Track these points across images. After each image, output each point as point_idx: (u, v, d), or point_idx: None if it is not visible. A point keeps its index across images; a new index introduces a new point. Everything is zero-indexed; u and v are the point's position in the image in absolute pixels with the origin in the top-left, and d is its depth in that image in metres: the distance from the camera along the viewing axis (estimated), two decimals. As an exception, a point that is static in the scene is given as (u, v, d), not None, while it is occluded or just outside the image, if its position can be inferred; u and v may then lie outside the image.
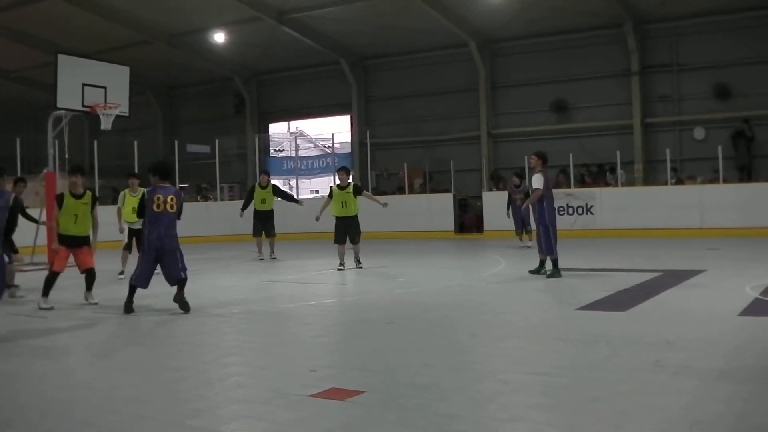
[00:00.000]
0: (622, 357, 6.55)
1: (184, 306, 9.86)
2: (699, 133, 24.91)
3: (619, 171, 23.75)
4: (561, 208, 23.03)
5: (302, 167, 31.52)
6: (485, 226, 24.64)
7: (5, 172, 11.36)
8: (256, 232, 17.93)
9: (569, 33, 26.31)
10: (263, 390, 5.82)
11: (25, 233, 17.86)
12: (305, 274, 14.83)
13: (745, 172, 23.27)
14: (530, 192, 13.45)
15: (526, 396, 5.42)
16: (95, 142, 24.45)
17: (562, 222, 22.67)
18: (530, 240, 18.06)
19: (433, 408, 5.13)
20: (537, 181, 12.76)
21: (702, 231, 20.73)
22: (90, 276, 11.06)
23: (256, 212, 17.97)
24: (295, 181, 31.63)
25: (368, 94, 31.25)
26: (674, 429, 4.58)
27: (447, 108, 29.11)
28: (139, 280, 10.10)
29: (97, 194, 21.74)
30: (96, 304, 10.85)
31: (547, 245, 12.80)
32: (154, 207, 9.96)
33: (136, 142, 24.61)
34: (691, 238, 19.93)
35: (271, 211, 18.00)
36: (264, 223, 17.83)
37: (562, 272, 12.62)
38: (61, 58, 17.83)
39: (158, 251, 9.98)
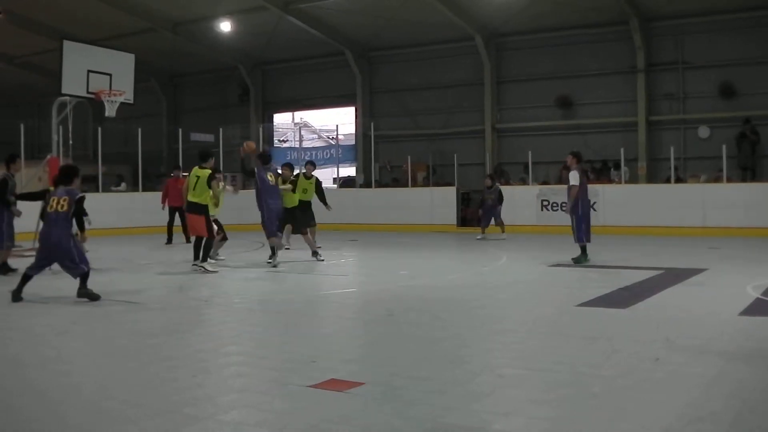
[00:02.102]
0: (622, 354, 6.55)
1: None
2: (703, 131, 24.85)
3: (623, 168, 23.71)
4: (564, 204, 23.01)
5: (306, 158, 31.47)
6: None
7: None
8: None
9: (575, 29, 26.25)
10: (262, 380, 5.83)
11: (27, 218, 17.92)
12: (305, 266, 14.83)
13: (749, 173, 23.24)
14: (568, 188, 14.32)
15: (524, 391, 5.42)
16: (99, 129, 24.45)
17: (565, 218, 22.71)
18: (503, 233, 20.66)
19: (431, 401, 5.14)
20: (573, 178, 13.83)
21: (704, 230, 20.71)
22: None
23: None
24: (298, 171, 31.56)
25: (373, 86, 31.21)
26: (672, 426, 4.58)
27: (451, 101, 29.08)
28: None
29: (100, 181, 21.96)
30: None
31: (578, 234, 13.91)
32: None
33: (140, 130, 24.63)
34: (693, 237, 19.91)
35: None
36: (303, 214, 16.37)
37: (561, 269, 12.62)
38: (66, 44, 17.85)
39: None
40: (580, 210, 13.87)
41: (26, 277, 10.19)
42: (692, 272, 12.22)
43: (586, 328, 7.80)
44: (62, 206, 10.20)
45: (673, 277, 11.77)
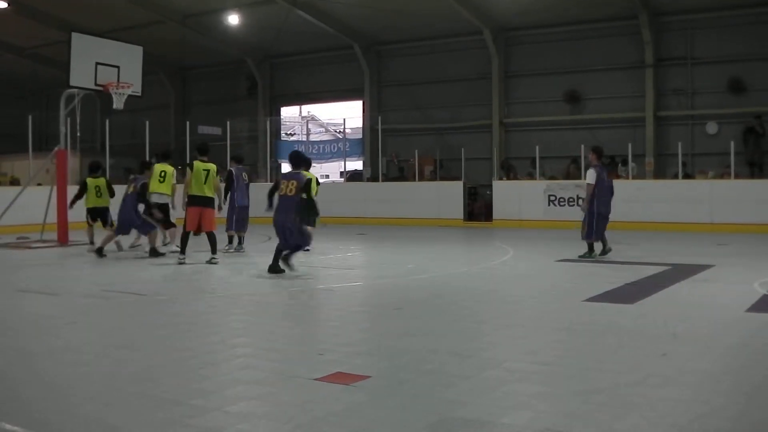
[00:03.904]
0: (627, 349, 6.55)
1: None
2: (711, 127, 24.80)
3: (630, 164, 23.66)
4: (571, 200, 23.01)
5: (313, 151, 31.48)
6: (494, 215, 24.62)
7: None
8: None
9: (584, 23, 26.20)
10: (269, 372, 5.84)
11: (35, 210, 17.99)
12: (313, 258, 14.84)
13: (756, 168, 23.17)
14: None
15: (530, 385, 5.43)
16: (107, 121, 24.50)
17: (571, 213, 22.71)
18: None
19: (437, 394, 5.15)
20: (590, 177, 13.79)
21: (712, 226, 20.65)
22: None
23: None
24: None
25: (381, 79, 31.19)
26: (678, 421, 4.58)
27: (459, 96, 29.05)
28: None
29: (107, 173, 21.99)
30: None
31: (588, 231, 13.75)
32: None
33: (147, 122, 24.67)
34: (700, 233, 19.87)
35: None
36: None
37: (568, 263, 12.60)
38: (75, 36, 17.86)
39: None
40: (595, 208, 13.63)
41: (279, 252, 11.54)
42: (699, 268, 12.19)
43: (593, 323, 7.79)
44: (291, 190, 11.24)
45: (680, 273, 11.75)
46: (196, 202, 13.33)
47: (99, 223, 16.19)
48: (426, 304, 9.25)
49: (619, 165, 24.91)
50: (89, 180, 16.18)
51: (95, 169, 16.47)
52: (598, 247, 13.82)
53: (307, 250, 12.93)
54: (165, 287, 10.84)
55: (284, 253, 11.57)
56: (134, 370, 5.91)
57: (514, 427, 4.54)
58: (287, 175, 11.88)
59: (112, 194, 16.29)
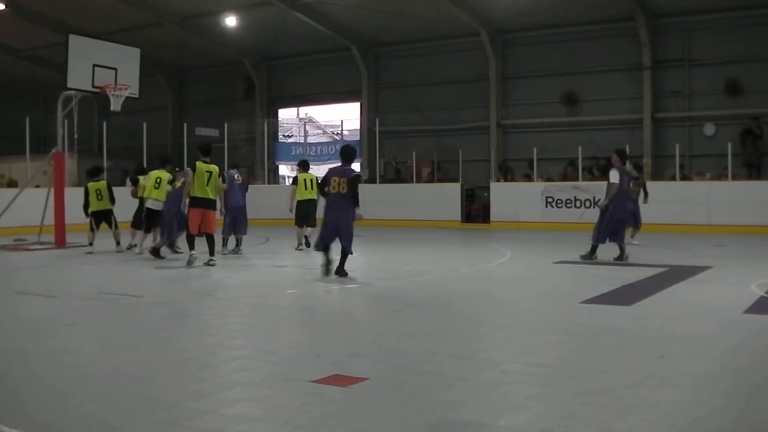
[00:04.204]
0: (626, 350, 6.55)
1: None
2: (709, 129, 24.81)
3: (628, 165, 23.61)
4: (569, 201, 23.04)
5: (311, 153, 31.48)
6: (492, 217, 24.64)
7: None
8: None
9: (581, 25, 26.19)
10: (267, 374, 5.84)
11: (33, 212, 17.98)
12: (311, 260, 14.84)
13: (753, 170, 23.19)
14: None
15: (528, 386, 5.43)
16: (104, 123, 24.48)
17: (568, 215, 22.75)
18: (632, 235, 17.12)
19: (435, 396, 5.15)
20: (614, 176, 13.51)
21: (709, 227, 20.68)
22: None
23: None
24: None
25: (378, 81, 31.19)
26: (675, 423, 4.58)
27: (456, 97, 29.04)
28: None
29: (105, 175, 22.00)
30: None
31: (597, 231, 13.57)
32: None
33: (145, 124, 24.67)
34: (698, 234, 19.89)
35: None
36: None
37: (566, 265, 12.59)
38: (72, 38, 17.86)
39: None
40: (611, 210, 13.37)
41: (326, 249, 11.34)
42: (697, 270, 12.21)
43: (591, 324, 7.80)
44: (342, 187, 11.00)
45: (677, 274, 11.75)
46: (199, 203, 13.07)
47: (104, 225, 16.22)
48: (424, 305, 9.25)
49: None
50: (90, 184, 16.18)
51: (96, 173, 16.45)
52: (597, 250, 13.70)
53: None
54: (163, 289, 10.84)
55: (329, 256, 11.40)
56: (132, 371, 5.90)
57: (512, 428, 4.55)
58: (336, 171, 11.49)
59: (112, 200, 16.27)
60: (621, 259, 13.44)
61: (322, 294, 10.60)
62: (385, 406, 4.98)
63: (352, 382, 5.47)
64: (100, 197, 16.08)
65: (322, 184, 11.73)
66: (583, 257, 13.61)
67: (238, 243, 15.84)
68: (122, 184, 20.32)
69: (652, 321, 7.91)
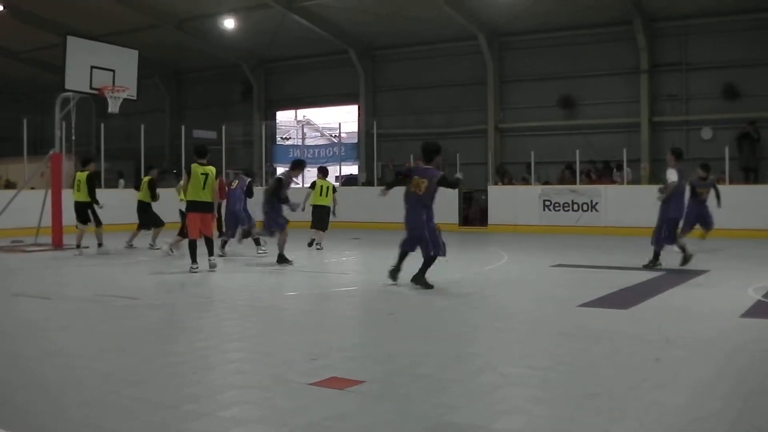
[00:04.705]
0: (622, 354, 6.55)
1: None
2: (706, 133, 24.82)
3: (625, 169, 23.69)
4: (566, 205, 23.04)
5: (308, 156, 31.48)
6: (489, 220, 24.62)
7: None
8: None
9: (579, 29, 26.20)
10: (263, 377, 5.83)
11: (30, 214, 17.96)
12: (308, 263, 14.84)
13: (751, 174, 23.21)
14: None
15: (525, 389, 5.42)
16: (102, 125, 24.46)
17: (566, 219, 22.75)
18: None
19: (432, 399, 5.14)
20: (671, 175, 12.94)
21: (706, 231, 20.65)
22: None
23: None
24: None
25: (376, 84, 31.19)
26: (672, 427, 4.58)
27: (454, 101, 29.04)
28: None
29: (102, 177, 21.94)
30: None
31: (656, 236, 12.97)
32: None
33: (142, 126, 24.65)
34: (695, 238, 19.87)
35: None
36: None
37: (563, 269, 12.57)
38: (70, 39, 17.85)
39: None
40: (670, 212, 12.87)
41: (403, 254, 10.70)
42: (694, 273, 12.20)
43: (588, 328, 7.79)
44: (420, 188, 10.34)
45: (674, 278, 11.75)
46: (195, 207, 12.71)
47: (90, 227, 16.24)
48: (420, 308, 9.25)
49: (614, 170, 24.96)
50: (78, 174, 16.32)
51: (84, 163, 16.44)
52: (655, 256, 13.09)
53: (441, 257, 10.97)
54: (159, 292, 10.82)
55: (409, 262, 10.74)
56: (128, 374, 5.89)
57: (509, 431, 4.54)
58: (418, 170, 10.84)
59: (90, 194, 16.05)
60: (686, 261, 12.75)
61: (318, 296, 10.59)
62: (381, 409, 4.98)
63: (349, 384, 5.47)
64: (78, 188, 16.06)
65: (398, 180, 11.13)
66: (646, 266, 12.86)
67: (222, 245, 15.76)
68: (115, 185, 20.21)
69: (649, 324, 7.91)
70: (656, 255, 12.91)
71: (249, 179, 16.37)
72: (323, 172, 18.19)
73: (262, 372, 5.99)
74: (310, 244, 17.31)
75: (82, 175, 16.22)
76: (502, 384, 5.57)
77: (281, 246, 13.88)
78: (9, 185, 26.97)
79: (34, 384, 5.61)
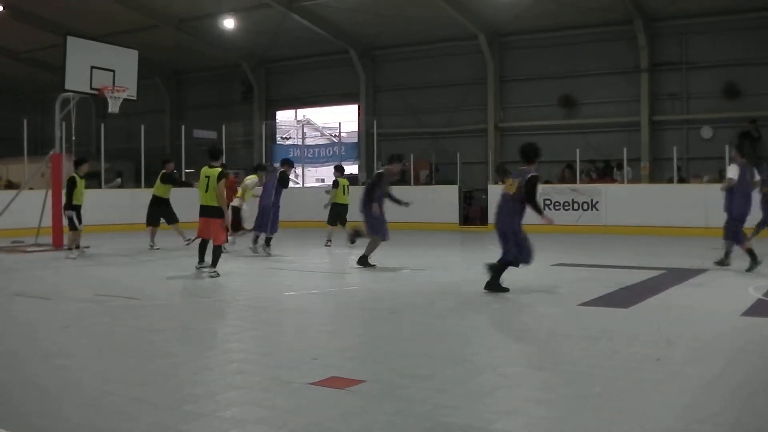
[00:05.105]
0: (623, 354, 6.54)
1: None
2: (706, 132, 24.82)
3: (625, 168, 23.68)
4: (566, 204, 23.03)
5: (308, 155, 31.51)
6: (490, 220, 24.57)
7: None
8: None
9: (579, 28, 26.20)
10: (263, 377, 5.83)
11: (30, 214, 17.95)
12: (309, 263, 14.84)
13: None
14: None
15: (525, 390, 5.42)
16: (102, 125, 24.46)
17: (566, 218, 22.73)
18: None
19: (431, 399, 5.13)
20: (731, 172, 12.78)
21: (707, 230, 20.63)
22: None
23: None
24: (301, 169, 31.67)
25: (376, 84, 31.19)
26: (673, 427, 4.58)
27: (454, 100, 29.05)
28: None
29: (102, 177, 22.01)
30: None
31: (736, 239, 12.57)
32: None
33: (143, 126, 24.64)
34: (696, 237, 19.87)
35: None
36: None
37: (564, 268, 12.55)
38: (70, 40, 17.83)
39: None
40: (732, 210, 12.55)
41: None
42: (694, 273, 12.20)
43: (588, 327, 7.79)
44: (512, 188, 10.14)
45: (674, 277, 11.75)
46: (200, 212, 12.37)
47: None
48: (421, 308, 9.24)
49: (615, 169, 24.96)
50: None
51: (77, 164, 15.66)
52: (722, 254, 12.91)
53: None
54: (158, 292, 10.81)
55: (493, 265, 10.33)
56: (128, 374, 5.89)
57: (509, 432, 4.54)
58: (515, 174, 10.50)
59: (66, 196, 15.39)
60: (755, 266, 12.19)
61: (318, 296, 10.59)
62: (381, 409, 4.97)
63: (349, 384, 5.46)
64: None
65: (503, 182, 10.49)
66: (748, 270, 12.20)
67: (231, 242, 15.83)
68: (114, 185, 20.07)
69: (649, 324, 7.90)
70: (752, 255, 12.34)
71: (281, 170, 16.40)
72: (341, 171, 19.03)
73: (262, 372, 5.98)
74: (328, 241, 17.81)
75: (68, 178, 15.85)
76: (503, 384, 5.56)
77: (370, 249, 13.33)
78: (10, 186, 26.98)
79: (34, 384, 5.60)
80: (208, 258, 12.22)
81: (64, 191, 15.93)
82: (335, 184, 18.41)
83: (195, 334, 7.73)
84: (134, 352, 6.75)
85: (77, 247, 15.17)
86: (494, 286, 10.12)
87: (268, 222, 15.85)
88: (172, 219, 17.24)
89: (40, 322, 8.27)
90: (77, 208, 15.10)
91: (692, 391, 5.37)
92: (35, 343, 7.14)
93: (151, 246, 16.79)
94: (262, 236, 15.95)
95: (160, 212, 17.22)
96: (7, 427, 4.55)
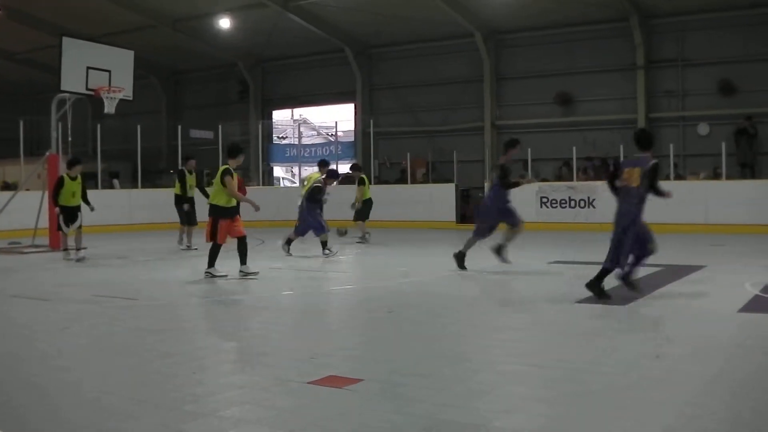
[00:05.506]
0: (621, 351, 6.55)
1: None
2: (703, 129, 24.85)
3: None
4: (563, 201, 23.04)
5: (305, 155, 31.49)
6: (488, 219, 24.59)
7: None
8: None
9: (575, 26, 26.22)
10: (262, 376, 5.83)
11: (27, 215, 17.94)
12: (307, 262, 14.83)
13: (748, 170, 23.22)
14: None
15: (523, 388, 5.43)
16: (98, 126, 24.42)
17: (563, 215, 22.76)
18: None
19: (430, 398, 5.14)
20: None
21: (706, 227, 20.67)
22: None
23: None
24: (297, 168, 31.68)
25: (372, 83, 31.19)
26: (671, 425, 4.58)
27: (451, 98, 29.05)
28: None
29: (99, 178, 21.96)
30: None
31: None
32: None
33: (139, 127, 24.61)
34: (694, 234, 19.90)
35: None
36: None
37: (561, 265, 12.55)
38: (65, 40, 17.81)
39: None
40: None
41: (605, 272, 9.47)
42: (692, 269, 12.22)
43: (586, 325, 7.80)
44: (634, 179, 9.44)
45: (672, 274, 11.75)
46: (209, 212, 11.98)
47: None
48: (419, 307, 9.24)
49: (611, 167, 24.95)
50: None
51: (70, 165, 15.45)
52: None
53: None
54: (157, 292, 10.80)
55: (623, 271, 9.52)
56: (127, 375, 5.89)
57: (508, 430, 4.54)
58: (628, 162, 9.87)
59: (54, 194, 15.24)
60: None
61: (316, 296, 10.59)
62: (380, 407, 4.98)
63: (347, 383, 5.47)
64: (73, 194, 15.21)
65: (613, 177, 9.71)
66: None
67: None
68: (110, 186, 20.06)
69: (647, 321, 7.92)
70: None
71: (317, 182, 15.53)
72: (359, 169, 19.91)
73: (261, 372, 5.99)
74: (365, 234, 18.53)
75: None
76: (501, 382, 5.57)
77: (468, 246, 12.98)
78: (6, 187, 26.93)
79: (33, 386, 5.60)
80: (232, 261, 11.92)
81: (47, 192, 15.73)
82: (362, 181, 19.06)
83: (193, 333, 7.73)
84: (133, 352, 6.75)
85: (78, 249, 15.13)
86: (593, 286, 9.42)
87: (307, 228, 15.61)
88: (187, 221, 16.94)
89: (39, 323, 8.27)
90: (66, 210, 14.97)
91: (691, 388, 5.37)
92: (34, 345, 7.14)
93: (188, 247, 16.63)
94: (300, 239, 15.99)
95: (186, 210, 16.85)
96: (6, 429, 4.55)
